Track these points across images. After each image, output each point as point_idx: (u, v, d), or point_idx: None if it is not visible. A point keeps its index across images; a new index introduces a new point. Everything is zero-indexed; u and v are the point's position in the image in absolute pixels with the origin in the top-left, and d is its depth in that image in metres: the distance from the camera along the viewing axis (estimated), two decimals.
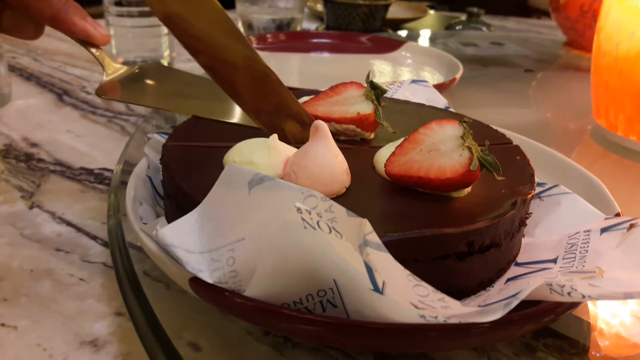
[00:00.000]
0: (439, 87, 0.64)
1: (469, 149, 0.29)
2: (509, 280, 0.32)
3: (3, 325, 0.32)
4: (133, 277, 0.33)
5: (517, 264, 0.33)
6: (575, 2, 0.92)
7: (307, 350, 0.30)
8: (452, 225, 0.28)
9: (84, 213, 0.44)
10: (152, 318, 0.30)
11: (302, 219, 0.23)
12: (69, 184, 0.48)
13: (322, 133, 0.30)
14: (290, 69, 0.79)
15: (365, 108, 0.36)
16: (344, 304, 0.24)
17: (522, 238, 0.35)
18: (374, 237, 0.24)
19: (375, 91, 0.37)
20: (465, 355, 0.31)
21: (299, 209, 0.23)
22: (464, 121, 0.30)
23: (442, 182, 0.30)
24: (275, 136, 0.32)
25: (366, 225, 0.24)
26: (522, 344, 0.32)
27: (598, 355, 0.32)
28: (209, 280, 0.25)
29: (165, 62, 0.79)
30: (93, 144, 0.56)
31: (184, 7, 0.32)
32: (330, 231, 0.23)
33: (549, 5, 1.02)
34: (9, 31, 0.38)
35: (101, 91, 0.38)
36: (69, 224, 0.42)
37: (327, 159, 0.30)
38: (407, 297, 0.24)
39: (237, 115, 0.40)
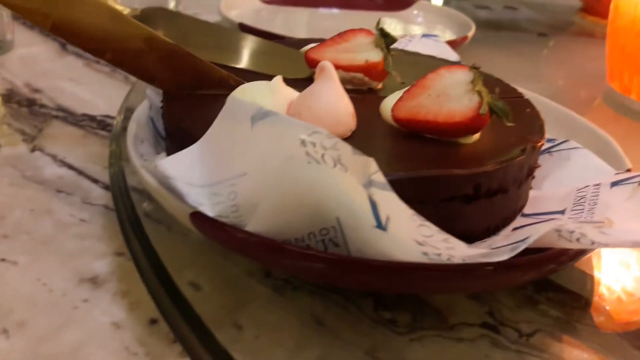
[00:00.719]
0: (450, 45, 0.62)
1: (479, 93, 0.29)
2: (515, 229, 0.31)
3: (3, 260, 0.32)
4: (135, 217, 0.33)
5: (524, 215, 0.33)
6: None
7: (307, 293, 0.30)
8: (459, 168, 0.28)
9: (85, 157, 0.43)
10: (154, 257, 0.30)
11: (307, 152, 0.23)
12: (71, 129, 0.48)
13: (328, 73, 0.30)
14: (298, 23, 0.78)
15: (374, 56, 0.35)
16: (347, 243, 0.24)
17: (530, 190, 0.34)
18: (379, 177, 0.23)
19: (386, 39, 0.35)
20: (467, 305, 0.30)
21: (303, 142, 0.22)
22: (475, 67, 0.29)
23: (450, 126, 0.29)
24: (279, 78, 0.31)
25: (372, 164, 0.24)
26: (523, 296, 0.32)
27: (600, 310, 0.32)
28: (210, 214, 0.25)
29: None
30: (96, 91, 0.55)
31: (68, 12, 0.31)
32: (335, 165, 0.23)
33: None
34: None
35: None
36: (70, 167, 0.42)
37: (332, 100, 0.29)
38: (411, 235, 0.23)
39: (243, 61, 0.39)
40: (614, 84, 0.60)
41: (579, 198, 0.32)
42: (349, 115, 0.30)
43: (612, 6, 0.59)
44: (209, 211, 0.25)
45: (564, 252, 0.26)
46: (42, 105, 0.51)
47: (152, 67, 0.33)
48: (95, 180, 0.40)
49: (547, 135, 0.38)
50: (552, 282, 0.33)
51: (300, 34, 0.73)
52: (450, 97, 0.29)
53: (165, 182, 0.26)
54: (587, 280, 0.34)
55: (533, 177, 0.35)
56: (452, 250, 0.24)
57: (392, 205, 0.23)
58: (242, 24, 0.62)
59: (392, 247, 0.23)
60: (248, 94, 0.30)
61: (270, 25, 0.69)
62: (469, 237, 0.30)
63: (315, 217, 0.24)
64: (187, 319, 0.27)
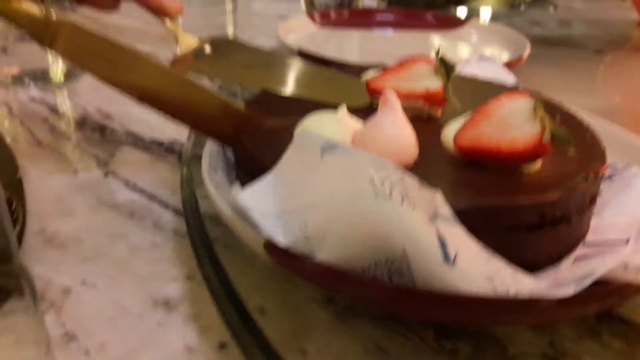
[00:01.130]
0: (505, 66, 0.62)
1: (541, 121, 0.29)
2: (577, 258, 0.31)
3: (84, 283, 0.34)
4: (207, 242, 0.35)
5: (585, 244, 0.33)
6: None
7: (368, 320, 0.31)
8: (523, 196, 0.28)
9: (155, 182, 0.46)
10: (226, 281, 0.32)
11: (375, 188, 0.23)
12: (140, 154, 0.50)
13: (391, 104, 0.30)
14: (354, 45, 0.79)
15: (434, 84, 0.36)
16: (412, 274, 0.25)
17: (591, 218, 0.34)
18: (445, 210, 0.24)
19: (446, 66, 0.36)
20: (527, 336, 0.31)
21: (372, 179, 0.23)
22: (535, 94, 0.29)
23: (513, 154, 0.30)
24: (344, 108, 0.32)
25: (438, 197, 0.24)
26: (585, 327, 0.32)
27: None
28: (283, 243, 0.26)
29: None
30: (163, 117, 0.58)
31: (154, 85, 0.35)
32: (403, 201, 0.24)
33: None
34: (90, 1, 0.40)
35: (175, 63, 0.39)
36: (141, 191, 0.44)
37: (396, 130, 0.30)
38: (480, 270, 0.24)
39: (304, 89, 0.40)
40: None
41: None
42: (412, 145, 0.31)
43: None
44: (282, 240, 0.27)
45: (628, 285, 0.26)
46: (113, 131, 0.54)
47: (227, 131, 0.36)
48: (165, 205, 0.42)
49: (608, 160, 0.38)
50: (615, 313, 0.32)
51: (354, 56, 0.74)
52: (513, 125, 0.29)
53: (242, 213, 0.28)
54: None
55: (595, 204, 0.34)
56: (519, 283, 0.24)
57: (460, 240, 0.24)
58: (300, 50, 0.64)
59: (459, 281, 0.24)
60: (315, 124, 0.32)
61: (326, 48, 0.71)
62: (533, 266, 0.30)
63: (381, 249, 0.25)
64: (257, 343, 0.29)
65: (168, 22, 0.40)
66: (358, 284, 0.25)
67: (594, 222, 0.34)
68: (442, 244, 0.23)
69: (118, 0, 0.41)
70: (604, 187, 0.36)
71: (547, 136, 0.29)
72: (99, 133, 0.54)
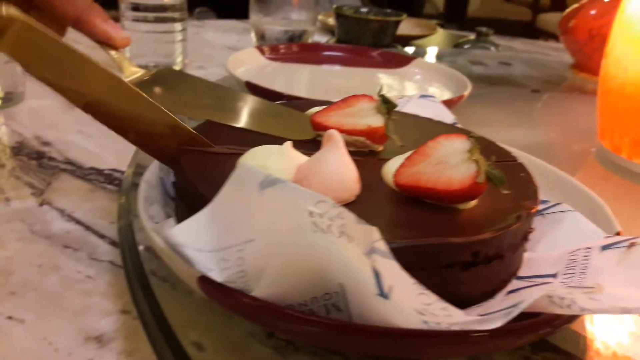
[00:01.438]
0: (447, 104, 0.64)
1: (476, 162, 0.30)
2: (510, 292, 0.32)
3: (10, 318, 0.33)
4: (142, 275, 0.34)
5: (519, 278, 0.34)
6: (583, 25, 0.93)
7: (309, 353, 0.30)
8: (458, 235, 0.29)
9: (93, 212, 0.44)
10: (160, 316, 0.31)
11: (314, 222, 0.24)
12: (79, 183, 0.49)
13: (335, 142, 0.31)
14: (301, 79, 0.80)
15: (375, 121, 0.37)
16: (349, 308, 0.25)
17: (524, 253, 0.35)
18: (381, 245, 0.24)
19: (387, 105, 0.37)
20: None
21: (311, 213, 0.24)
22: (472, 136, 0.31)
23: (449, 194, 0.31)
24: (289, 143, 0.33)
25: (374, 232, 0.25)
26: (520, 356, 0.32)
27: None
28: (219, 279, 0.26)
29: (178, 68, 0.80)
30: (104, 145, 0.57)
31: (103, 95, 0.33)
32: (341, 235, 0.24)
33: (557, 28, 1.03)
34: None
35: None
36: (77, 222, 0.43)
37: (339, 167, 0.31)
38: (412, 304, 0.24)
39: (250, 121, 0.40)
40: (605, 142, 0.62)
41: (571, 261, 0.32)
42: (354, 181, 0.31)
43: (602, 68, 0.62)
44: (218, 276, 0.26)
45: (557, 317, 0.27)
46: (51, 158, 0.53)
47: (171, 151, 0.35)
48: (102, 236, 0.41)
49: (541, 197, 0.39)
50: (548, 342, 0.33)
51: (302, 90, 0.75)
52: (449, 165, 0.31)
53: (175, 249, 0.27)
54: (581, 341, 0.34)
55: (528, 240, 0.36)
56: (450, 317, 0.25)
57: (394, 274, 0.24)
58: (248, 82, 0.64)
59: (393, 314, 0.24)
60: (259, 156, 0.32)
61: (274, 82, 0.72)
62: (467, 301, 0.31)
63: (318, 283, 0.25)
64: None
65: (112, 52, 0.40)
66: (291, 319, 0.25)
67: (527, 256, 0.36)
68: (377, 277, 0.23)
69: (62, 32, 0.40)
70: (537, 222, 0.37)
71: (482, 177, 0.30)
72: (35, 160, 0.52)
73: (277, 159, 0.31)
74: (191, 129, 0.36)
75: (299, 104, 0.45)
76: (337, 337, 0.25)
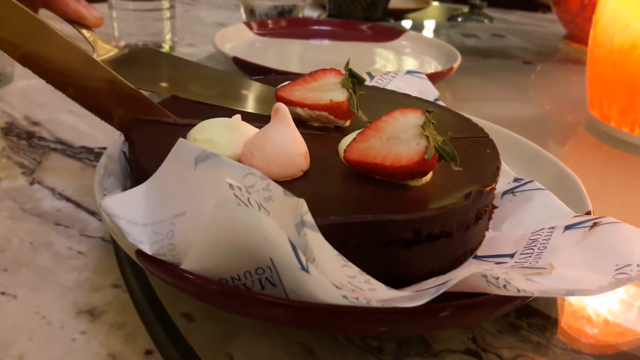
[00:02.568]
0: (437, 76, 0.65)
1: (427, 138, 0.29)
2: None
3: (3, 293, 0.33)
4: None
5: (476, 257, 0.33)
6: None
7: None
8: (398, 212, 0.28)
9: (83, 190, 0.45)
10: (149, 289, 0.32)
11: (235, 195, 0.23)
12: (69, 162, 0.49)
13: (282, 115, 0.31)
14: (291, 54, 0.80)
15: (339, 96, 0.36)
16: (282, 283, 0.24)
17: (487, 231, 0.35)
18: (309, 217, 0.24)
19: (353, 79, 0.36)
20: (451, 332, 0.32)
21: (230, 185, 0.23)
22: (428, 111, 0.29)
23: (396, 170, 0.30)
24: (238, 116, 0.32)
25: (302, 205, 0.24)
26: (506, 322, 0.33)
27: (578, 334, 0.33)
28: (149, 252, 0.26)
29: (167, 46, 0.80)
30: (93, 124, 0.57)
31: (39, 47, 0.33)
32: (260, 208, 0.24)
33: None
34: None
35: None
36: (68, 199, 0.43)
37: (285, 141, 0.30)
38: (335, 277, 0.24)
39: (217, 97, 0.40)
40: (594, 112, 0.62)
41: (531, 241, 0.32)
42: (301, 156, 0.31)
43: (590, 37, 0.61)
44: (148, 249, 0.26)
45: (488, 301, 0.26)
46: (41, 138, 0.53)
47: (110, 107, 0.35)
48: (92, 213, 0.42)
49: (516, 174, 0.39)
50: (533, 307, 0.34)
51: (293, 65, 0.75)
52: (400, 140, 0.30)
53: (109, 220, 0.27)
54: (567, 306, 0.35)
55: (490, 219, 0.35)
56: (375, 292, 0.24)
57: (319, 246, 0.24)
58: (235, 58, 0.64)
59: (315, 288, 0.23)
60: (206, 131, 0.32)
61: (264, 58, 0.71)
62: (412, 280, 0.30)
63: (250, 257, 0.24)
64: (180, 350, 0.28)
65: (85, 31, 0.39)
66: (213, 293, 0.25)
67: (491, 235, 0.35)
68: (295, 251, 0.23)
69: (34, 10, 0.40)
70: (506, 201, 0.36)
71: (430, 153, 0.29)
72: (25, 140, 0.52)
73: (224, 133, 0.31)
74: (129, 84, 0.35)
75: (277, 78, 0.45)
76: (252, 310, 0.25)
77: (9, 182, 0.45)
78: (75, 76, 0.34)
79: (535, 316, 0.34)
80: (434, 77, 0.63)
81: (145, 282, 0.32)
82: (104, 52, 0.40)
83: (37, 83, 0.65)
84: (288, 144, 0.30)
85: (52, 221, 0.40)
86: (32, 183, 0.45)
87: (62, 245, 0.38)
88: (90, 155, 0.50)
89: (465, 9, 1.26)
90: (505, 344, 0.31)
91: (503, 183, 0.37)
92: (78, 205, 0.43)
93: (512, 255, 0.31)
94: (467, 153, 0.34)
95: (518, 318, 0.33)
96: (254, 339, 0.30)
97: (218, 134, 0.31)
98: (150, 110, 0.36)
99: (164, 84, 0.40)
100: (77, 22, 0.39)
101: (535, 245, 0.31)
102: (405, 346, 0.31)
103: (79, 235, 0.39)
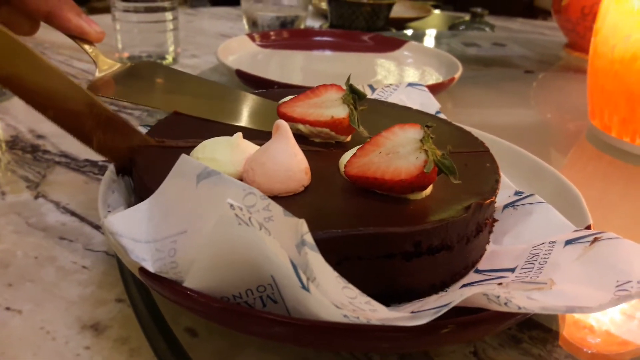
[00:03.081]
0: (438, 87, 0.65)
1: (426, 152, 0.29)
2: (464, 286, 0.31)
3: (8, 309, 0.33)
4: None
5: (477, 271, 0.33)
6: (576, 4, 0.93)
7: None
8: (398, 225, 0.28)
9: (87, 203, 0.45)
10: (152, 304, 0.32)
11: (236, 215, 0.23)
12: (73, 175, 0.49)
13: (283, 132, 0.31)
14: (293, 66, 0.80)
15: (340, 112, 0.37)
16: (284, 300, 0.25)
17: (488, 245, 0.35)
18: (309, 237, 0.24)
19: (353, 95, 0.37)
20: (453, 345, 0.32)
21: (231, 206, 0.23)
22: (427, 126, 0.30)
23: (396, 184, 0.30)
24: (239, 134, 0.33)
25: (303, 225, 0.25)
26: (507, 335, 0.33)
27: (580, 347, 0.33)
28: (151, 269, 0.26)
29: (170, 58, 0.80)
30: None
31: (18, 69, 0.33)
32: (261, 228, 0.24)
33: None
34: (5, 26, 0.39)
35: (93, 87, 0.39)
36: (73, 213, 0.44)
37: (285, 157, 0.30)
38: (336, 298, 0.24)
39: (220, 113, 0.40)
40: (595, 122, 0.62)
41: (532, 256, 0.32)
42: (302, 172, 0.31)
43: (591, 47, 0.62)
44: (150, 267, 0.26)
45: (498, 314, 0.26)
46: (46, 151, 0.53)
47: (89, 130, 0.35)
48: (96, 227, 0.42)
49: (517, 187, 0.39)
50: (535, 320, 0.34)
51: (295, 76, 0.75)
52: (399, 155, 0.30)
53: (112, 237, 0.28)
54: (568, 317, 0.35)
55: (491, 232, 0.35)
56: (375, 312, 0.25)
57: (319, 267, 0.24)
58: (238, 70, 0.64)
59: (316, 307, 0.24)
60: (208, 149, 0.32)
61: (266, 70, 0.72)
62: (414, 293, 0.30)
63: (251, 275, 0.24)
64: None
65: (87, 46, 0.40)
66: (215, 311, 0.25)
67: (491, 248, 0.35)
68: (295, 270, 0.23)
69: (35, 26, 0.40)
70: (507, 214, 0.36)
71: (429, 167, 0.29)
72: (30, 154, 0.52)
73: (225, 151, 0.31)
74: (108, 108, 0.35)
75: (278, 92, 0.45)
76: (243, 325, 0.25)
77: (14, 196, 0.45)
78: (54, 98, 0.34)
79: (536, 329, 0.34)
80: (435, 88, 0.63)
81: (148, 297, 0.32)
82: (107, 66, 0.40)
83: None
84: (289, 160, 0.30)
85: (56, 235, 0.41)
86: (36, 197, 0.45)
87: (67, 259, 0.38)
88: (95, 168, 0.51)
89: (467, 17, 1.26)
90: (506, 357, 0.32)
91: (504, 196, 0.37)
92: (82, 219, 0.43)
93: (513, 270, 0.31)
94: (467, 166, 0.34)
95: (519, 331, 0.34)
96: (258, 355, 0.30)
97: (220, 152, 0.31)
98: (129, 134, 0.36)
99: (165, 100, 0.41)
100: (79, 37, 0.39)
101: (536, 260, 0.31)
102: (407, 357, 0.31)
103: (83, 250, 0.39)
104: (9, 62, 0.33)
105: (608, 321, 0.35)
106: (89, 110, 0.35)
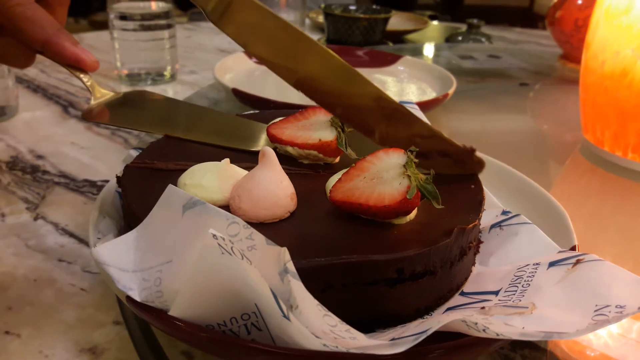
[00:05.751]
0: (432, 103, 0.66)
1: (409, 177, 0.30)
2: (449, 309, 0.32)
3: (7, 332, 0.34)
4: None
5: (463, 294, 0.33)
6: (570, 16, 0.94)
7: None
8: (380, 252, 0.28)
9: (86, 225, 0.45)
10: (147, 328, 0.32)
11: (219, 244, 0.24)
12: (72, 195, 0.50)
13: (268, 159, 0.32)
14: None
15: (328, 135, 0.37)
16: (268, 329, 0.25)
17: (474, 266, 0.35)
18: (291, 266, 0.25)
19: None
20: None
21: (214, 235, 0.24)
22: (410, 150, 0.30)
23: (380, 210, 0.30)
24: (226, 160, 0.33)
25: (285, 254, 0.25)
26: (500, 354, 0.34)
27: None
28: (137, 298, 0.27)
29: (168, 74, 0.81)
30: (96, 156, 0.58)
31: (312, 70, 0.35)
32: (242, 258, 0.24)
33: None
34: (0, 58, 0.40)
35: (88, 114, 0.40)
36: (71, 235, 0.44)
37: (271, 184, 0.31)
38: (317, 325, 0.25)
39: (209, 136, 0.41)
40: (588, 136, 0.63)
41: (516, 278, 0.32)
42: (287, 198, 0.32)
43: (582, 62, 0.62)
44: (137, 296, 0.27)
45: (478, 340, 0.26)
46: (45, 172, 0.54)
47: (373, 123, 0.36)
48: None
49: (505, 207, 0.39)
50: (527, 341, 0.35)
51: (291, 95, 0.75)
52: (383, 180, 0.30)
53: (100, 267, 0.28)
54: (562, 340, 0.35)
55: (477, 253, 0.35)
56: (355, 341, 0.25)
57: (301, 294, 0.25)
58: (235, 89, 0.65)
59: (297, 336, 0.24)
60: (196, 175, 0.33)
61: (263, 87, 0.73)
62: (399, 318, 0.30)
63: (235, 304, 0.25)
64: None
65: (82, 75, 0.41)
66: (201, 340, 0.25)
67: (478, 270, 0.35)
68: (276, 299, 0.24)
69: (32, 58, 0.41)
70: (494, 235, 0.37)
71: (411, 192, 0.29)
72: (30, 174, 0.53)
73: (213, 177, 0.32)
74: (393, 100, 0.36)
75: (269, 113, 0.45)
76: (227, 354, 0.25)
77: (14, 218, 0.46)
78: (344, 96, 0.35)
79: (528, 347, 0.34)
80: (429, 104, 0.64)
81: (143, 320, 0.33)
82: (100, 95, 0.42)
83: (41, 115, 0.68)
84: (274, 187, 0.31)
85: (55, 257, 0.41)
86: (36, 218, 0.46)
87: (65, 281, 0.39)
88: (93, 188, 0.51)
89: (464, 28, 1.27)
90: None
91: (491, 216, 0.38)
92: (80, 240, 0.44)
93: (496, 293, 0.32)
94: (452, 187, 0.34)
95: (512, 350, 0.34)
96: None
97: (207, 179, 0.32)
98: (411, 122, 0.36)
99: (156, 124, 0.42)
100: (74, 67, 0.40)
101: (520, 283, 0.31)
102: None
103: (81, 272, 0.40)
104: (307, 65, 0.34)
105: (599, 342, 0.36)
106: (376, 104, 0.35)
